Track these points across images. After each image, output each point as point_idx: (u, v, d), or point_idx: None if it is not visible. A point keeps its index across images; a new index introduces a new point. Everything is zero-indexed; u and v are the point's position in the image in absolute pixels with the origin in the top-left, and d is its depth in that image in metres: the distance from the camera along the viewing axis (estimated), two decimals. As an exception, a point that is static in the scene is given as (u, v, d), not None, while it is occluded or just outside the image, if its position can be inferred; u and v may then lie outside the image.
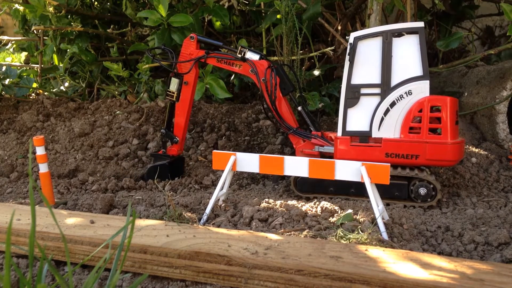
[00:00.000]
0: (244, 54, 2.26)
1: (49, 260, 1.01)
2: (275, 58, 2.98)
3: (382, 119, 2.01)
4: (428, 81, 1.94)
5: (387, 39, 1.98)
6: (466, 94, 2.97)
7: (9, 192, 2.41)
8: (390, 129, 2.00)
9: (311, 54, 3.13)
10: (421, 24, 1.96)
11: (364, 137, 2.04)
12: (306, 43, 3.28)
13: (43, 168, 2.06)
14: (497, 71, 2.82)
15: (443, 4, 3.12)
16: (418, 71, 1.95)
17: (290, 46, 2.88)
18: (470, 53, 3.69)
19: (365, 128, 2.05)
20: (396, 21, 3.41)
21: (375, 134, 2.02)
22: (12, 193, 2.40)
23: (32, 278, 1.28)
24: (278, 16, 2.90)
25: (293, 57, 2.88)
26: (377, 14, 2.63)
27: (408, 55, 1.97)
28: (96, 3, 3.74)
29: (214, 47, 2.44)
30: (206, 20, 3.50)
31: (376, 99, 2.01)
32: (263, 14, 3.36)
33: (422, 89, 1.95)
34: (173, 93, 2.42)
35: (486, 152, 2.55)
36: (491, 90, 2.72)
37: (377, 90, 2.01)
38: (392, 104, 1.98)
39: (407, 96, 1.96)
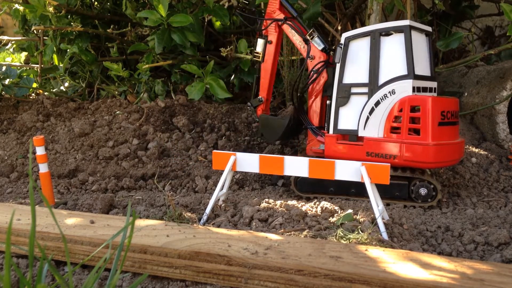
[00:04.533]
0: (312, 38, 2.23)
1: (49, 260, 1.01)
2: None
3: (367, 118, 2.00)
4: (411, 80, 1.91)
5: (375, 38, 1.98)
6: (466, 94, 2.97)
7: (9, 192, 2.41)
8: (374, 128, 2.00)
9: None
10: (406, 22, 1.94)
11: (353, 135, 2.05)
12: (306, 43, 3.27)
13: (43, 168, 2.06)
14: (497, 71, 2.82)
15: (443, 4, 3.12)
16: (403, 70, 1.94)
17: (290, 46, 2.88)
18: (470, 53, 3.69)
19: (354, 127, 2.05)
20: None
21: (361, 133, 2.03)
22: (12, 193, 2.40)
23: (32, 278, 1.28)
24: (278, 16, 2.89)
25: (293, 57, 2.88)
26: (377, 14, 2.63)
27: (393, 54, 1.96)
28: (96, 3, 3.74)
29: (289, 14, 2.38)
30: (206, 20, 3.50)
31: (364, 98, 2.01)
32: (263, 14, 3.35)
33: (405, 88, 1.92)
34: (259, 54, 2.43)
35: (486, 152, 2.55)
36: (491, 90, 2.72)
37: (366, 90, 2.01)
38: (377, 104, 1.98)
39: (390, 95, 1.95)
